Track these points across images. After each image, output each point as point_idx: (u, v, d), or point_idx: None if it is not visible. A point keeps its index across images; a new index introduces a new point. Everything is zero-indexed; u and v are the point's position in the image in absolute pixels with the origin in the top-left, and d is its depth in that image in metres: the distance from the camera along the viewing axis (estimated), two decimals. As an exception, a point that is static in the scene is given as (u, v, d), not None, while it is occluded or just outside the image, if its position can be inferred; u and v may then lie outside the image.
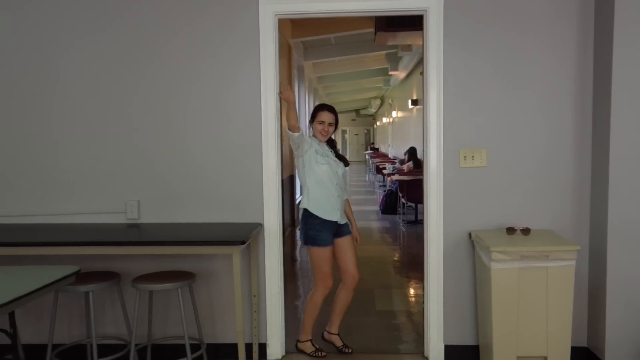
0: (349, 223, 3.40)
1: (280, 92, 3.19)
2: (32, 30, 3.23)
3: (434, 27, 3.12)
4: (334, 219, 3.24)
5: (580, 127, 3.14)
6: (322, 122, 3.24)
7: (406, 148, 10.78)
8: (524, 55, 3.12)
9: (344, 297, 3.36)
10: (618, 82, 2.87)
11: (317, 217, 3.20)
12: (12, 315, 2.33)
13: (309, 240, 3.23)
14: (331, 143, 3.37)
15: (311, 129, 3.33)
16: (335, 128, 3.30)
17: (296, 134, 3.10)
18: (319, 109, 3.32)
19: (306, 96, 10.89)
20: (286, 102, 3.14)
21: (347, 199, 3.40)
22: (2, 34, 3.24)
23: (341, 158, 3.37)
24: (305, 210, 3.23)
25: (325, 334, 3.45)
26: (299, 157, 3.23)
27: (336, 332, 3.43)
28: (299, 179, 3.33)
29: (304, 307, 3.46)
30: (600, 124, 3.02)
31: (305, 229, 3.25)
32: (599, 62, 3.03)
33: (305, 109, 10.23)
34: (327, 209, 3.21)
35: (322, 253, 3.22)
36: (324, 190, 3.21)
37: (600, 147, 3.02)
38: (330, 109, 3.30)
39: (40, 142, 3.29)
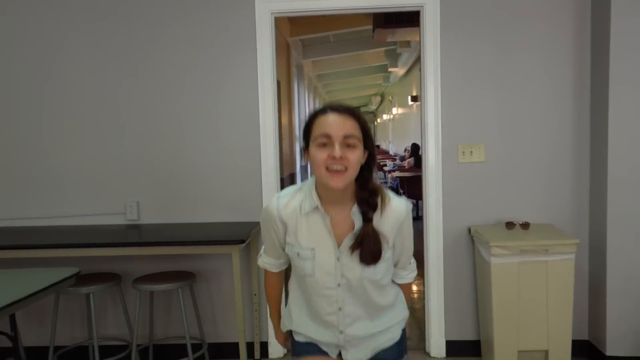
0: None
1: None
2: (30, 30, 3.24)
3: (430, 24, 3.12)
4: (324, 348, 1.64)
5: (578, 121, 3.13)
6: (325, 140, 1.41)
7: (406, 145, 10.77)
8: (521, 50, 3.11)
9: None
10: (615, 74, 2.86)
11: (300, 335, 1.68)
12: (13, 318, 2.34)
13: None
14: (370, 195, 1.47)
15: (307, 162, 1.52)
16: (371, 154, 1.48)
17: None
18: (318, 114, 1.46)
19: (306, 95, 10.88)
20: None
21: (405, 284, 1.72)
22: (0, 34, 3.25)
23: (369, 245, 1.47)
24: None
25: None
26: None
27: None
28: None
29: None
30: (598, 117, 3.01)
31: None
32: (596, 56, 3.02)
33: (305, 110, 10.08)
34: (313, 329, 1.64)
35: None
36: (310, 305, 1.61)
37: (599, 141, 3.01)
38: (341, 109, 1.45)
39: (38, 144, 3.29)
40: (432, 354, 3.26)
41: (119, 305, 3.27)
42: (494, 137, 3.16)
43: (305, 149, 1.48)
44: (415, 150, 9.92)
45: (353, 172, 1.41)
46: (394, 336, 1.66)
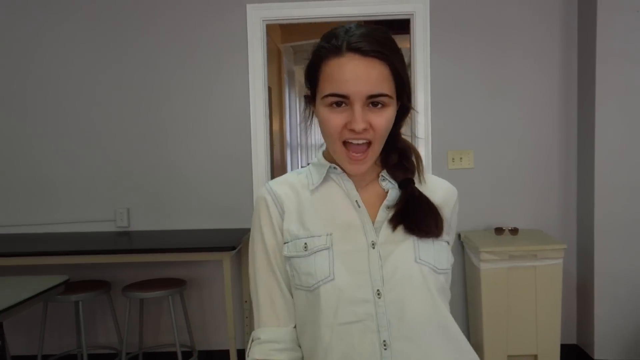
0: None
1: None
2: (20, 36, 3.22)
3: (420, 31, 3.15)
4: None
5: (565, 127, 3.17)
6: (339, 100, 0.90)
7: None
8: (510, 57, 3.15)
9: None
10: (601, 81, 2.91)
11: None
12: (0, 326, 2.32)
13: None
14: (402, 157, 1.06)
15: (311, 120, 1.03)
16: (404, 105, 0.99)
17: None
18: (329, 54, 0.91)
19: (297, 101, 10.89)
20: None
21: None
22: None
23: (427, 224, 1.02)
24: None
25: None
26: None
27: None
28: None
29: None
30: (585, 124, 3.05)
31: None
32: (582, 63, 3.07)
33: (296, 116, 9.99)
34: None
35: None
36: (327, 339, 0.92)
37: (585, 147, 3.05)
38: (365, 48, 0.88)
39: (27, 151, 3.27)
40: None
41: (109, 313, 3.25)
42: (483, 143, 3.19)
43: (310, 98, 0.98)
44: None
45: (379, 145, 0.94)
46: None
